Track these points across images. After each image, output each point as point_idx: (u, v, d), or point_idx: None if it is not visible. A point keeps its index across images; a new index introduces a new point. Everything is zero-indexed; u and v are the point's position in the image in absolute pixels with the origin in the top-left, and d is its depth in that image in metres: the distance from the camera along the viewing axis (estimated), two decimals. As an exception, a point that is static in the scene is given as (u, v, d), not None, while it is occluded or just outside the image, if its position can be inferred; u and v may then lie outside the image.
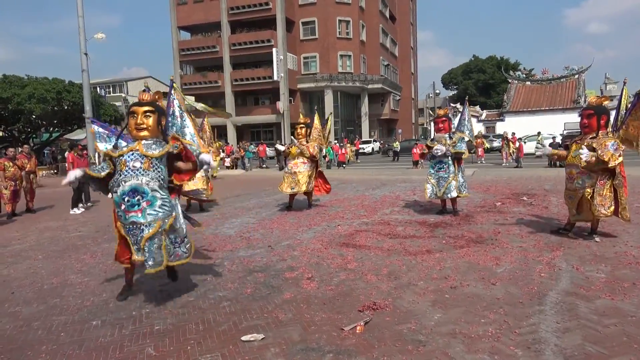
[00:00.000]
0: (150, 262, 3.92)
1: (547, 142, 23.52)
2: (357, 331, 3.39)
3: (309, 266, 5.16)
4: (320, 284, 4.53)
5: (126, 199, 3.89)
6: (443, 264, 5.02)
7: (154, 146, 4.05)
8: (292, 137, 9.75)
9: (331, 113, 10.64)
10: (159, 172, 4.02)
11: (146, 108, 4.08)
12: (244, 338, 3.35)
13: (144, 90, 4.33)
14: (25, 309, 4.21)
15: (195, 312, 3.96)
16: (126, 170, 3.94)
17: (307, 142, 9.17)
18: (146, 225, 3.90)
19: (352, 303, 3.97)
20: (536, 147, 6.84)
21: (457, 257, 5.28)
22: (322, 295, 4.20)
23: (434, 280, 4.51)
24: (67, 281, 5.01)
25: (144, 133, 4.06)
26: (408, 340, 3.22)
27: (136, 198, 3.89)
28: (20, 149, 12.02)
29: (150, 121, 4.08)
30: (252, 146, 26.44)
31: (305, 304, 4.00)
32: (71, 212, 10.34)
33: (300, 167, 9.03)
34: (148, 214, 3.90)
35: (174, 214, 4.09)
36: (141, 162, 3.96)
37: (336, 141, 32.19)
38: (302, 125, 9.29)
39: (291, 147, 9.32)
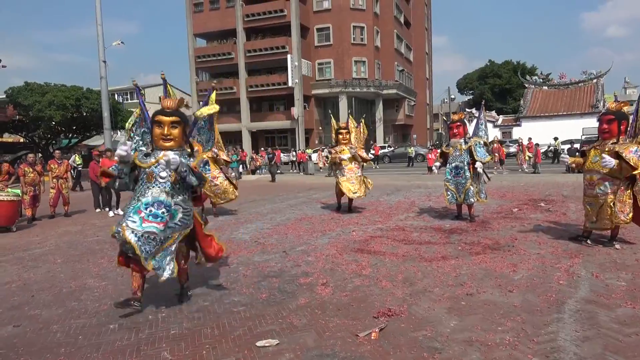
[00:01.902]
0: (166, 273, 3.99)
1: (565, 147, 23.28)
2: (372, 338, 3.37)
3: (323, 272, 5.16)
4: (334, 289, 4.52)
5: (149, 210, 3.93)
6: (459, 271, 4.97)
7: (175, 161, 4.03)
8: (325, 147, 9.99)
9: (364, 117, 10.65)
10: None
11: (173, 119, 4.06)
12: (258, 343, 3.36)
13: (174, 98, 4.31)
14: (44, 311, 4.28)
15: (210, 316, 3.98)
16: (154, 182, 4.01)
17: (352, 146, 9.33)
18: (164, 238, 3.96)
19: (367, 309, 3.95)
20: (561, 159, 6.67)
21: (473, 264, 5.22)
22: (336, 301, 4.19)
23: (449, 287, 4.46)
24: (85, 285, 5.08)
25: (170, 144, 4.07)
26: (424, 348, 3.19)
27: (160, 210, 3.94)
28: (40, 155, 12.29)
29: (177, 132, 4.08)
30: (235, 155, 23.28)
31: (320, 310, 3.99)
32: (97, 211, 11.47)
33: (357, 172, 9.20)
34: (169, 227, 3.97)
35: (191, 226, 4.18)
36: (168, 173, 4.01)
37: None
38: (346, 130, 9.35)
39: (337, 153, 9.25)
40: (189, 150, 4.30)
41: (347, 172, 9.16)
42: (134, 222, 3.92)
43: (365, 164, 9.86)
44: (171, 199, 4.01)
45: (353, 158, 9.16)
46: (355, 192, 9.15)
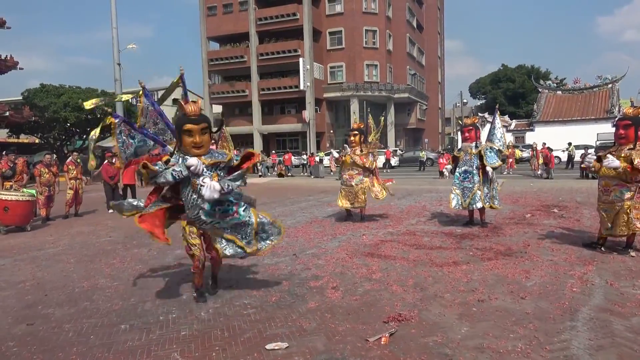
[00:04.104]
0: (265, 244, 4.48)
1: (578, 153, 23.01)
2: (382, 342, 3.35)
3: (333, 275, 5.14)
4: (344, 293, 4.51)
5: (212, 212, 4.20)
6: (470, 276, 4.93)
7: (219, 156, 4.25)
8: (345, 145, 9.23)
9: (383, 116, 9.71)
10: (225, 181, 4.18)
11: (203, 125, 4.04)
12: (268, 346, 3.36)
13: (194, 102, 4.19)
14: (57, 311, 4.33)
15: (220, 318, 3.99)
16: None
17: (362, 149, 8.63)
18: (247, 219, 4.35)
19: (377, 314, 3.93)
20: (587, 161, 6.43)
21: (484, 270, 5.17)
22: (346, 305, 4.17)
23: (461, 292, 4.43)
24: (97, 285, 5.13)
25: (201, 151, 4.07)
26: (434, 354, 3.17)
27: (225, 205, 4.23)
28: (54, 156, 12.49)
29: (206, 138, 4.10)
30: None
31: (329, 314, 3.98)
32: (109, 211, 11.28)
33: (356, 179, 8.54)
34: (243, 210, 4.37)
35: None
36: (210, 176, 4.14)
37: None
38: (355, 132, 8.70)
39: (344, 155, 8.67)
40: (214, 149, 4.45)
41: (347, 179, 8.65)
42: None
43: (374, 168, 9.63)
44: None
45: (354, 164, 8.56)
46: (352, 203, 8.55)
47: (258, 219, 4.31)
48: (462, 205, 7.79)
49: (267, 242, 4.42)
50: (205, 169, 4.01)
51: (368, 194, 8.74)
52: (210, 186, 3.86)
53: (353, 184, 8.59)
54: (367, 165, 8.57)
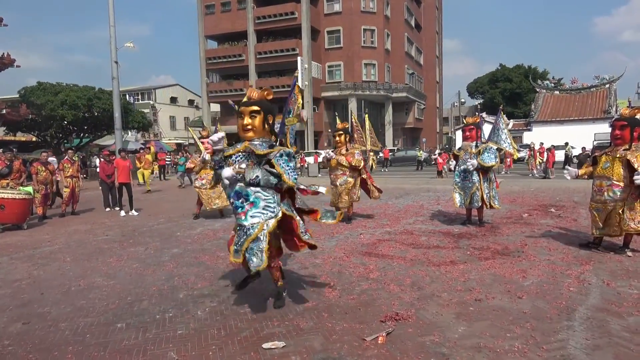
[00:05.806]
0: (253, 262, 3.77)
1: (576, 152, 23.04)
2: (379, 342, 3.34)
3: (330, 275, 5.14)
4: (342, 292, 4.50)
5: (232, 202, 3.94)
6: (468, 276, 4.93)
7: (258, 146, 3.96)
8: (330, 151, 8.79)
9: (367, 113, 9.49)
10: (263, 172, 3.86)
11: (252, 108, 4.00)
12: (265, 345, 3.35)
13: (258, 88, 4.24)
14: (53, 309, 4.31)
15: (217, 317, 3.98)
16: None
17: (348, 149, 8.53)
18: (249, 228, 3.84)
19: (374, 313, 3.93)
20: (565, 172, 6.57)
21: (482, 269, 5.18)
22: (343, 305, 4.17)
23: (458, 292, 4.43)
24: (93, 283, 5.11)
25: (250, 134, 3.99)
26: (431, 353, 3.16)
27: (240, 200, 3.88)
28: (50, 154, 12.43)
29: (257, 122, 3.98)
30: (183, 158, 20.72)
31: (326, 313, 3.97)
32: (106, 210, 11.64)
33: (340, 179, 8.44)
34: (251, 216, 3.85)
35: (279, 215, 3.94)
36: (246, 164, 3.94)
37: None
38: (340, 132, 8.57)
39: (332, 157, 8.54)
40: (272, 141, 4.11)
41: (333, 179, 8.56)
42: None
43: (372, 168, 9.56)
44: (250, 187, 3.86)
45: (339, 164, 8.41)
46: (334, 202, 8.44)
47: (257, 236, 3.80)
48: (464, 204, 7.81)
49: (254, 260, 3.77)
50: (241, 156, 3.96)
51: (363, 194, 8.63)
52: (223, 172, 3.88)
53: (337, 184, 8.48)
54: (353, 164, 8.37)
